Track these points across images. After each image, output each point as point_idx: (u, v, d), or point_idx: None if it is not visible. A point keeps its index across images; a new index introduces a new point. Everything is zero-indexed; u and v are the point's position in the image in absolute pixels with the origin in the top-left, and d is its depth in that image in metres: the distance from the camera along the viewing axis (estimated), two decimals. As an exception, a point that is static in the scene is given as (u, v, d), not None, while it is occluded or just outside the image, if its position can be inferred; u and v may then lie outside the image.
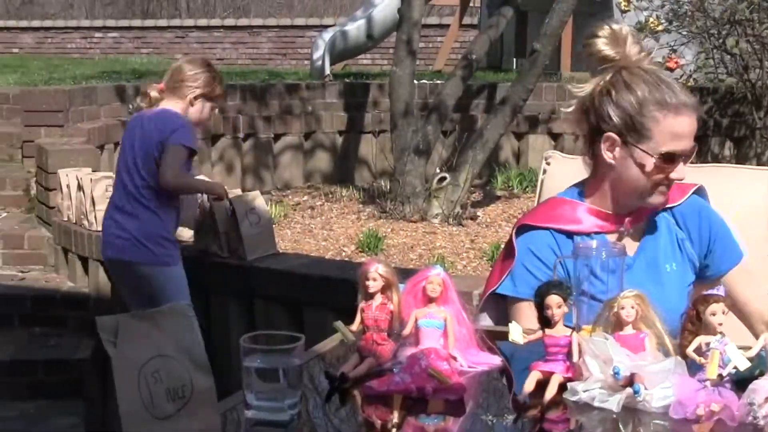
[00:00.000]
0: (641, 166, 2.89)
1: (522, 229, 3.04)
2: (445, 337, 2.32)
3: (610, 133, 2.91)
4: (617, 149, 2.91)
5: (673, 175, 2.89)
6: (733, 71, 8.74)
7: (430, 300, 2.33)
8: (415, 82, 8.90)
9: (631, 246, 2.97)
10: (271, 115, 10.01)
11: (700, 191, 3.14)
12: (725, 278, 3.00)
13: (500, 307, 3.05)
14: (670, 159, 2.87)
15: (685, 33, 8.77)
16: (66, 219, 6.74)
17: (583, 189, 3.06)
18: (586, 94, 2.98)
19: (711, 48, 8.65)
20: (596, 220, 2.99)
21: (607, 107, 2.92)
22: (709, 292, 2.25)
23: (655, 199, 2.94)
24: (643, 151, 2.87)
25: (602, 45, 2.95)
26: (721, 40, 8.52)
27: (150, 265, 5.01)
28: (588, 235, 2.97)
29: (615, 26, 3.00)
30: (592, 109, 2.96)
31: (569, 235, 2.98)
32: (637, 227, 3.02)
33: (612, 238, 2.98)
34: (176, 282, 5.05)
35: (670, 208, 3.06)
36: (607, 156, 2.93)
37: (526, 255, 2.99)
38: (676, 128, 2.87)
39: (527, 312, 2.79)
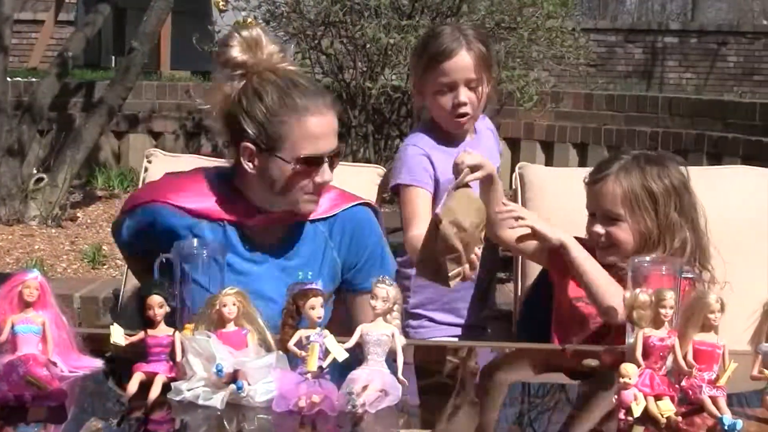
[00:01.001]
0: (282, 173, 2.85)
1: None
2: (43, 342, 2.27)
3: (247, 144, 2.86)
4: (256, 159, 2.87)
5: (317, 179, 2.86)
6: (329, 71, 8.95)
7: (27, 305, 2.27)
8: (8, 79, 8.61)
9: (268, 241, 2.98)
10: None
11: (370, 207, 3.12)
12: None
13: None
14: (310, 162, 2.84)
15: (282, 33, 8.92)
16: None
17: (229, 175, 3.02)
18: (218, 103, 2.94)
19: (307, 48, 8.82)
20: (227, 210, 2.96)
21: (241, 117, 2.87)
22: (308, 286, 2.30)
23: (304, 207, 2.92)
24: (281, 158, 2.84)
25: (236, 52, 2.88)
26: (316, 41, 8.72)
27: None
28: (217, 221, 2.95)
29: (246, 32, 2.92)
30: (229, 117, 2.92)
31: (196, 214, 2.95)
32: (276, 227, 2.99)
33: (249, 229, 2.96)
34: None
35: (326, 218, 3.02)
36: (248, 166, 2.89)
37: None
38: (310, 130, 2.84)
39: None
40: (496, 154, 3.68)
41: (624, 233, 2.94)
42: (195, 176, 3.06)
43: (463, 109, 3.44)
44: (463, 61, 3.42)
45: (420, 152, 3.46)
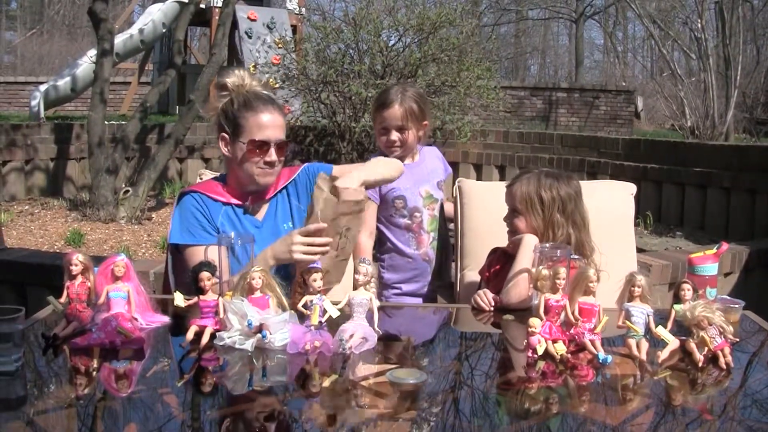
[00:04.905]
0: (242, 153, 2.84)
1: (180, 196, 2.95)
2: (128, 304, 2.27)
3: (223, 134, 2.89)
4: (228, 145, 2.88)
5: (266, 159, 2.84)
6: (326, 115, 8.96)
7: (117, 278, 2.28)
8: (106, 122, 8.58)
9: (261, 212, 2.95)
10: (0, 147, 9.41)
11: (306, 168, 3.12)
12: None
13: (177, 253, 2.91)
14: (259, 145, 2.82)
15: (294, 89, 8.92)
16: None
17: (224, 176, 3.02)
18: (212, 111, 2.93)
19: (311, 100, 8.83)
20: (230, 196, 2.93)
21: (221, 117, 2.89)
22: (311, 266, 2.29)
23: (261, 179, 2.88)
24: (241, 142, 2.84)
25: (225, 79, 2.91)
26: (317, 95, 8.72)
27: None
28: (228, 204, 2.92)
29: (236, 70, 2.95)
30: (217, 120, 2.92)
31: (215, 200, 2.91)
32: (261, 202, 2.95)
33: (243, 207, 2.94)
34: None
35: (284, 187, 3.00)
36: (224, 151, 2.90)
37: (184, 213, 2.89)
38: (259, 122, 2.82)
39: (196, 252, 2.75)
40: (439, 171, 3.64)
41: (521, 223, 2.91)
42: (210, 181, 3.05)
43: (393, 145, 3.48)
44: (394, 113, 3.43)
45: None
